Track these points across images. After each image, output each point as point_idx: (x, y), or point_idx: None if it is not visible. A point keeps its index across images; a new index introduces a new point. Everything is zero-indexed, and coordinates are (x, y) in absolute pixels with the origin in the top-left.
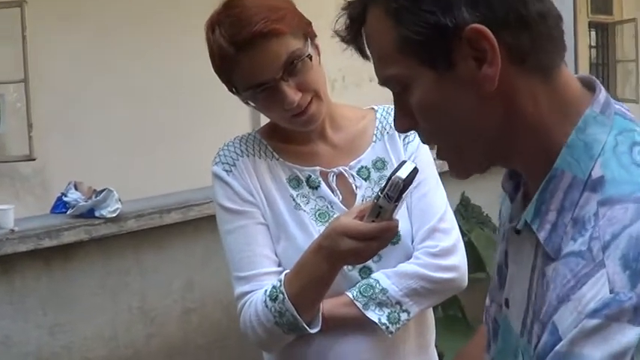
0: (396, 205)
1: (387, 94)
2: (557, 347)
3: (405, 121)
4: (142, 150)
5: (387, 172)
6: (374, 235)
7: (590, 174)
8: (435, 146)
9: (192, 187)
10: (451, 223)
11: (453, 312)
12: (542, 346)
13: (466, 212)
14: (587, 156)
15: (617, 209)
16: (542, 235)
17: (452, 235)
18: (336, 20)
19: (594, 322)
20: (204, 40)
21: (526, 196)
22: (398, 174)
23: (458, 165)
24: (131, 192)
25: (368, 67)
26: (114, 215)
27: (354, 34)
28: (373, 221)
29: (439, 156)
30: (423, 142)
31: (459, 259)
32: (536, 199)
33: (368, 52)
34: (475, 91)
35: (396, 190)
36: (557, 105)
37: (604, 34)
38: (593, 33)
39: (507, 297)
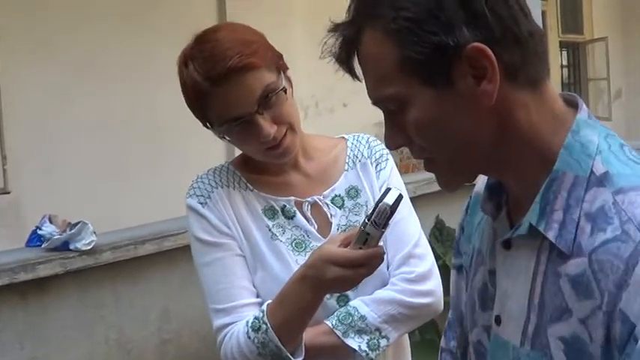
0: (383, 232)
1: (361, 118)
2: None
3: (397, 138)
4: (117, 181)
5: (361, 200)
6: (362, 262)
7: (591, 171)
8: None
9: (167, 217)
10: (426, 248)
11: (430, 336)
12: (619, 336)
13: (441, 235)
14: (585, 155)
15: (632, 195)
16: (551, 235)
17: (427, 261)
18: (325, 41)
19: None
20: (176, 71)
21: (510, 213)
22: (385, 200)
23: (450, 177)
24: (106, 224)
25: (341, 93)
26: (89, 248)
27: (347, 55)
28: (360, 248)
29: (428, 169)
30: (415, 158)
31: (435, 284)
32: (539, 202)
33: (358, 73)
34: (473, 107)
35: (383, 217)
36: (548, 115)
37: (575, 53)
38: (564, 52)
39: (499, 314)
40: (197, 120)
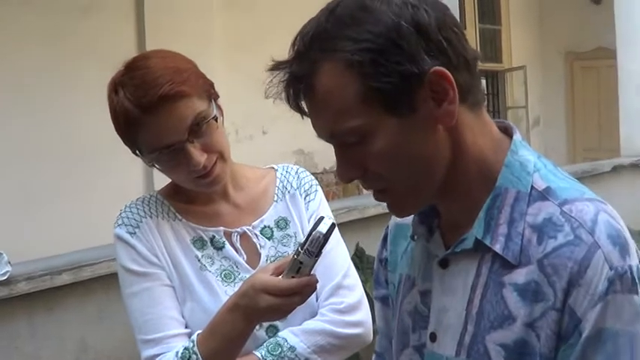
0: (316, 260)
1: (281, 146)
2: (586, 333)
3: (352, 170)
4: (32, 210)
5: (290, 231)
6: (295, 291)
7: (532, 187)
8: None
9: (84, 247)
10: (355, 279)
11: None
12: (564, 328)
13: (361, 263)
14: (525, 172)
15: (579, 205)
16: (498, 247)
17: (356, 292)
18: (270, 80)
19: (607, 299)
20: (98, 98)
21: (443, 234)
22: (318, 229)
23: (407, 203)
24: (21, 253)
25: (260, 120)
26: (4, 278)
27: (296, 92)
28: (293, 277)
29: (381, 198)
30: (369, 188)
31: (364, 314)
32: (484, 217)
33: (305, 108)
34: (433, 130)
35: (316, 245)
36: (488, 136)
37: (494, 81)
38: (483, 81)
39: (434, 331)
40: (115, 149)
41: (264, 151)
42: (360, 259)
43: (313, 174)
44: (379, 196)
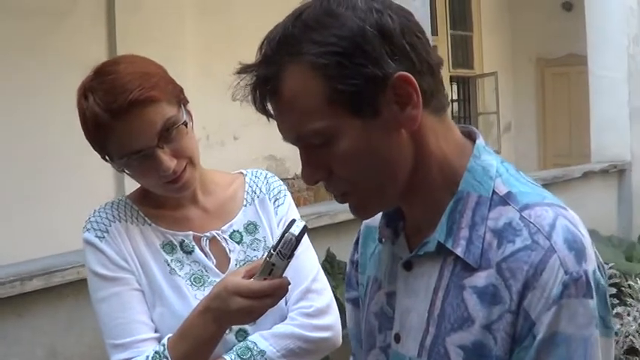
0: (288, 262)
1: (253, 151)
2: (540, 336)
3: (317, 172)
4: (2, 216)
5: (259, 236)
6: (267, 293)
7: (493, 191)
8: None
9: (54, 252)
10: (324, 283)
11: None
12: (519, 331)
13: (332, 268)
14: (487, 177)
15: (538, 210)
16: (459, 250)
17: (325, 295)
18: (237, 83)
19: (561, 302)
20: (68, 103)
21: (408, 237)
22: (291, 231)
23: (370, 205)
24: None
25: (232, 126)
26: None
27: (263, 95)
28: (265, 279)
29: (345, 200)
30: (332, 191)
31: (334, 318)
32: (446, 221)
33: (271, 110)
34: (396, 133)
35: (289, 247)
36: (451, 141)
37: (465, 87)
38: (454, 87)
39: (398, 332)
40: (85, 154)
41: (236, 157)
42: (330, 264)
43: (284, 179)
44: (342, 198)
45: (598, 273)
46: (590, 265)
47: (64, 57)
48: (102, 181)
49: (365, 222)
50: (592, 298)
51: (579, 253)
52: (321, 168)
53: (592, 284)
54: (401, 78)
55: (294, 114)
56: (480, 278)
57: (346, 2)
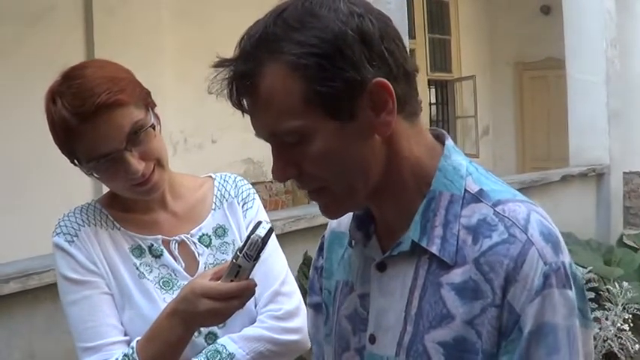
0: (254, 264)
1: (230, 154)
2: (527, 329)
3: (288, 169)
4: None
5: (228, 239)
6: (234, 294)
7: (465, 190)
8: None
9: (31, 255)
10: (293, 286)
11: None
12: (504, 324)
13: (309, 272)
14: (458, 176)
15: (511, 205)
16: (435, 248)
17: (294, 298)
18: (215, 76)
19: (544, 293)
20: (42, 108)
21: (380, 239)
22: (257, 233)
23: (341, 205)
24: None
25: (210, 129)
26: None
27: (239, 90)
28: (232, 281)
29: (316, 198)
30: (303, 188)
31: (303, 320)
32: (420, 220)
33: (247, 107)
34: (370, 137)
35: (255, 249)
36: (422, 144)
37: (444, 91)
38: (432, 90)
39: (372, 332)
40: (62, 156)
41: (214, 160)
42: (308, 267)
43: (262, 183)
44: (313, 196)
45: (574, 265)
46: (567, 257)
47: (42, 61)
48: (79, 184)
49: (330, 228)
50: (571, 289)
51: (555, 246)
52: (292, 165)
53: (570, 275)
54: (378, 84)
55: (270, 112)
56: (457, 275)
57: (328, 4)
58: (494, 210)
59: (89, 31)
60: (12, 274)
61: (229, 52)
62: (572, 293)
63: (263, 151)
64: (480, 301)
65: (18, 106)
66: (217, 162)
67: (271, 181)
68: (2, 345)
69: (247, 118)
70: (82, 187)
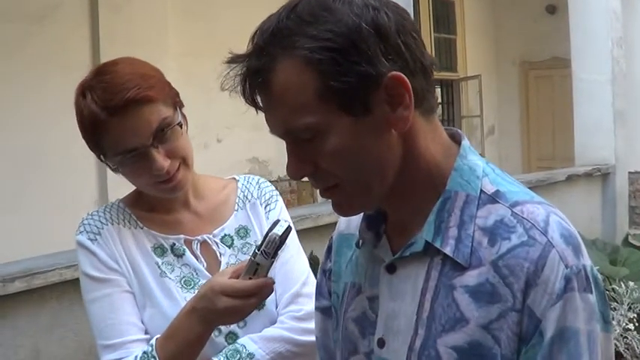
0: (272, 262)
1: (236, 154)
2: (549, 334)
3: (303, 167)
4: None
5: (250, 240)
6: (253, 292)
7: (481, 191)
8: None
9: (34, 254)
10: (314, 287)
11: None
12: (524, 329)
13: (315, 271)
14: (474, 176)
15: (529, 207)
16: (448, 249)
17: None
18: (227, 72)
19: (565, 297)
20: (52, 105)
21: (390, 240)
22: (274, 231)
23: (355, 202)
24: None
25: (215, 129)
26: None
27: (253, 86)
28: (250, 278)
29: (329, 195)
30: (318, 186)
31: None
32: (434, 220)
33: (260, 103)
34: (386, 132)
35: (272, 247)
36: (438, 142)
37: (449, 90)
38: (438, 90)
39: (381, 336)
40: (67, 156)
41: (219, 159)
42: (313, 267)
43: None
44: (327, 193)
45: (595, 268)
46: (587, 260)
47: (47, 59)
48: (85, 183)
49: (338, 230)
50: (592, 292)
51: (576, 248)
52: (307, 162)
53: (591, 279)
54: (394, 78)
55: (285, 108)
56: (471, 277)
57: None
58: (512, 211)
59: (94, 29)
60: (17, 273)
61: (235, 50)
62: (593, 297)
63: (268, 151)
64: (498, 305)
65: (23, 104)
66: (223, 161)
67: (276, 180)
68: (8, 344)
69: (253, 117)
70: (86, 187)
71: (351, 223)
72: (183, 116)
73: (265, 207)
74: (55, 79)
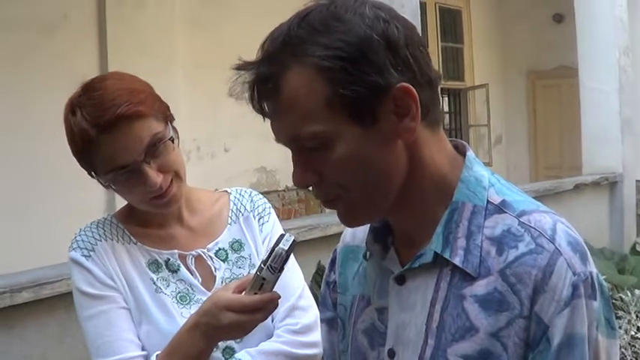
0: (279, 276)
1: (243, 163)
2: (557, 341)
3: (308, 176)
4: None
5: (245, 253)
6: (258, 307)
7: (488, 201)
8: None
9: (42, 264)
10: (310, 300)
11: None
12: (532, 336)
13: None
14: (480, 187)
15: (536, 216)
16: (457, 260)
17: (311, 312)
18: (236, 79)
19: (572, 303)
20: (58, 117)
21: (398, 252)
22: (280, 246)
23: (360, 213)
24: None
25: (222, 137)
26: None
27: (261, 93)
28: (256, 293)
29: (334, 206)
30: (322, 197)
31: (319, 335)
32: (442, 231)
33: (267, 110)
34: (392, 143)
35: (279, 261)
36: (444, 153)
37: (456, 99)
38: (445, 99)
39: (391, 347)
40: (75, 167)
41: (226, 169)
42: (321, 277)
43: (275, 192)
44: (329, 205)
45: (600, 276)
46: (593, 267)
47: (55, 70)
48: (93, 194)
49: (344, 242)
50: (595, 299)
51: (583, 256)
52: (312, 171)
53: (596, 286)
54: (402, 89)
55: (293, 115)
56: (480, 287)
57: (353, 8)
58: (519, 220)
59: (102, 39)
60: (25, 283)
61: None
62: (596, 304)
63: (276, 160)
64: (506, 313)
65: (31, 115)
66: (230, 170)
67: (284, 190)
68: (16, 354)
69: (260, 126)
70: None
71: (356, 235)
72: (175, 130)
73: (259, 220)
74: (63, 89)
